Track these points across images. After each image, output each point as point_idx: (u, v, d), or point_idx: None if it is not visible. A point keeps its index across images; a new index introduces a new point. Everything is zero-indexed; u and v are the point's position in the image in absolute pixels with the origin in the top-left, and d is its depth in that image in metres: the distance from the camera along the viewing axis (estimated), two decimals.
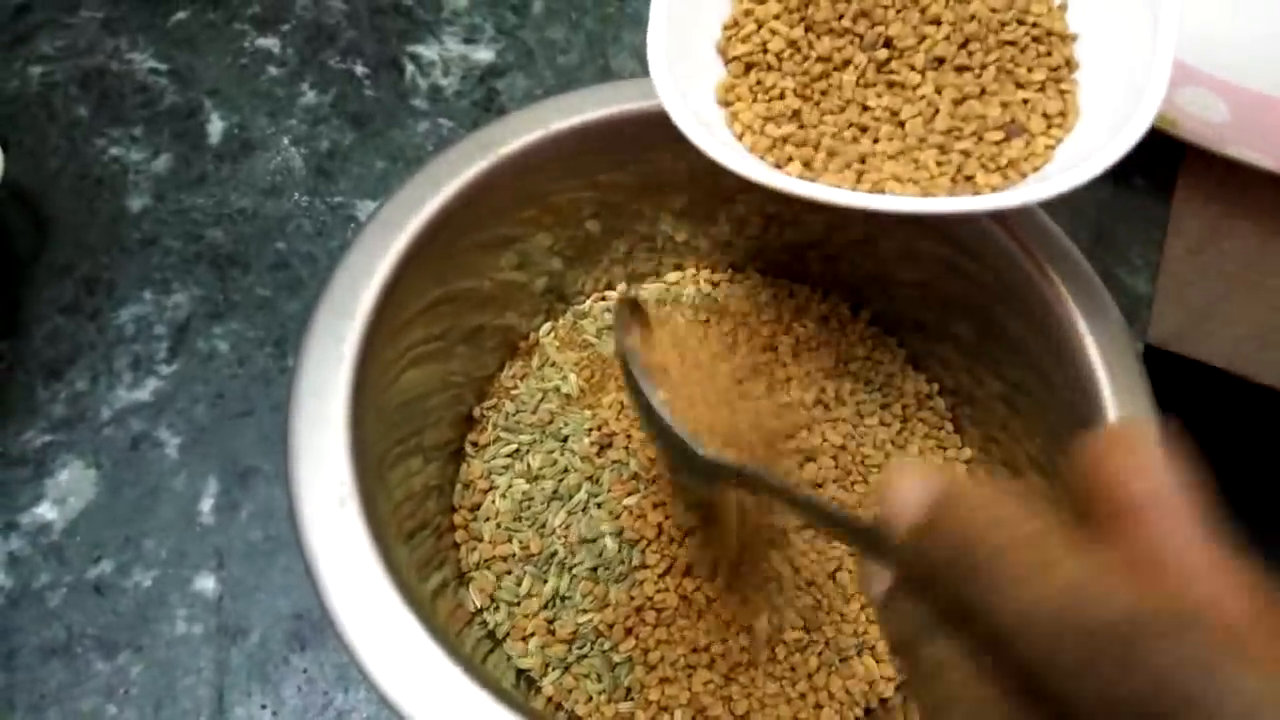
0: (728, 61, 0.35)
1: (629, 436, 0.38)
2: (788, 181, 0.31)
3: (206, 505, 0.40)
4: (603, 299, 0.43)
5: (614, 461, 0.37)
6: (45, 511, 0.40)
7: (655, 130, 0.38)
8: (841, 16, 0.34)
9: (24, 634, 0.38)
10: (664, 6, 0.34)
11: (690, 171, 0.40)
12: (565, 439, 0.38)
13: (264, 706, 0.37)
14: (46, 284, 0.45)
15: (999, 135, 0.32)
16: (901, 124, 0.33)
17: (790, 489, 0.26)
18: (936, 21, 0.33)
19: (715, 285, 0.43)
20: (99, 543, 0.40)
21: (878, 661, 0.36)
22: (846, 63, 0.34)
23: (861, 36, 0.34)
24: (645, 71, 0.39)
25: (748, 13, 0.35)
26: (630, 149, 0.39)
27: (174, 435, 0.42)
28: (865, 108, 0.33)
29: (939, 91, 0.33)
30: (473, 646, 0.35)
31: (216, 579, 0.39)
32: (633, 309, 0.35)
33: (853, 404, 0.40)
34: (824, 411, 0.39)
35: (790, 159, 0.33)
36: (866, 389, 0.41)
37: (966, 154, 0.32)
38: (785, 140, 0.33)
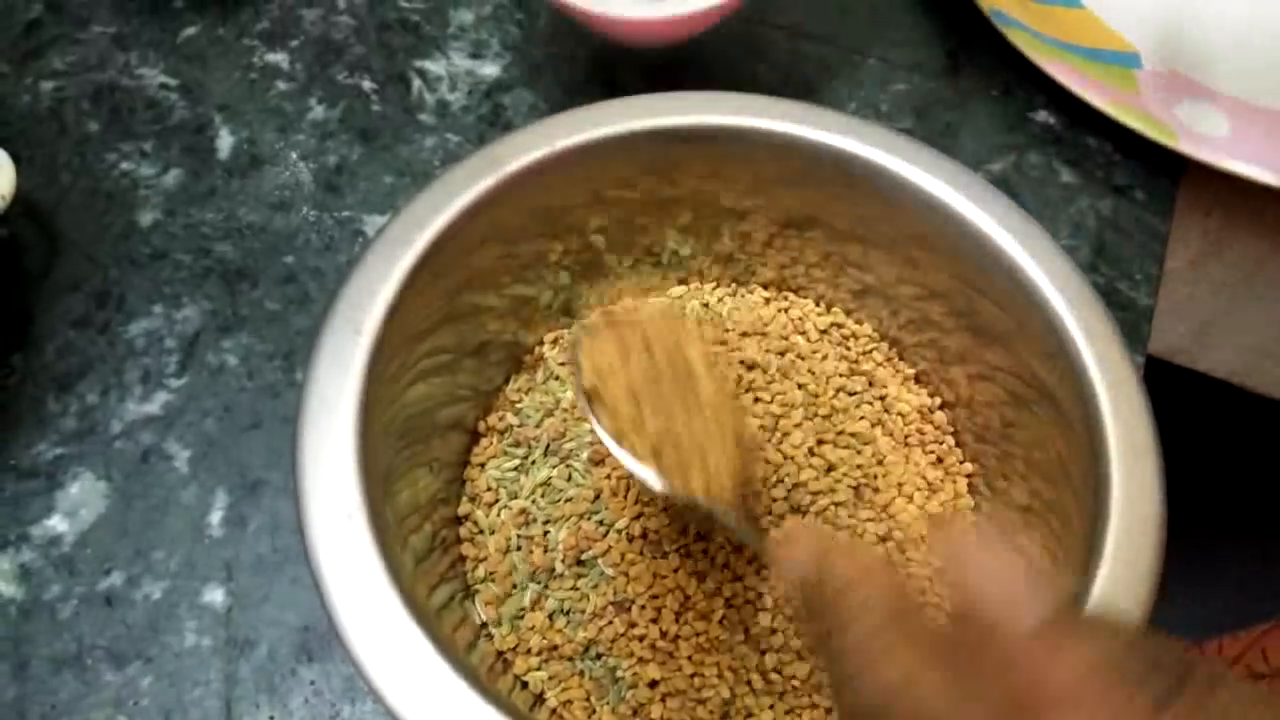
0: None
1: None
2: None
3: (215, 518, 0.41)
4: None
5: (615, 476, 0.38)
6: (56, 524, 0.40)
7: (660, 147, 0.39)
8: None
9: (35, 645, 0.38)
10: None
11: (694, 188, 0.40)
12: (567, 454, 0.39)
13: (272, 718, 0.37)
14: (57, 298, 0.46)
15: None
16: None
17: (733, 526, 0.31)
18: None
19: (719, 300, 0.43)
20: (109, 555, 0.40)
21: None
22: None
23: None
24: (650, 88, 0.39)
25: None
26: (635, 165, 0.39)
27: (183, 448, 0.42)
28: None
29: None
30: (478, 660, 0.35)
31: (225, 591, 0.39)
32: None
33: (856, 418, 0.40)
34: (827, 424, 0.40)
35: None
36: (869, 403, 0.41)
37: None
38: None
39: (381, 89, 0.52)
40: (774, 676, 0.35)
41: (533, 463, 0.39)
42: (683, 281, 0.44)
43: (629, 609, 0.36)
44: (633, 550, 0.36)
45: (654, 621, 0.36)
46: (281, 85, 0.52)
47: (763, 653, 0.36)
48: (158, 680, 0.38)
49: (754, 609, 0.36)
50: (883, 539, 0.38)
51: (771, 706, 0.35)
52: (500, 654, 0.36)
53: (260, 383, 0.44)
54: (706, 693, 0.35)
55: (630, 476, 0.37)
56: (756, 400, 0.40)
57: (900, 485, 0.39)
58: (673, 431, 0.32)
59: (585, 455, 0.38)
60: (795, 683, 0.36)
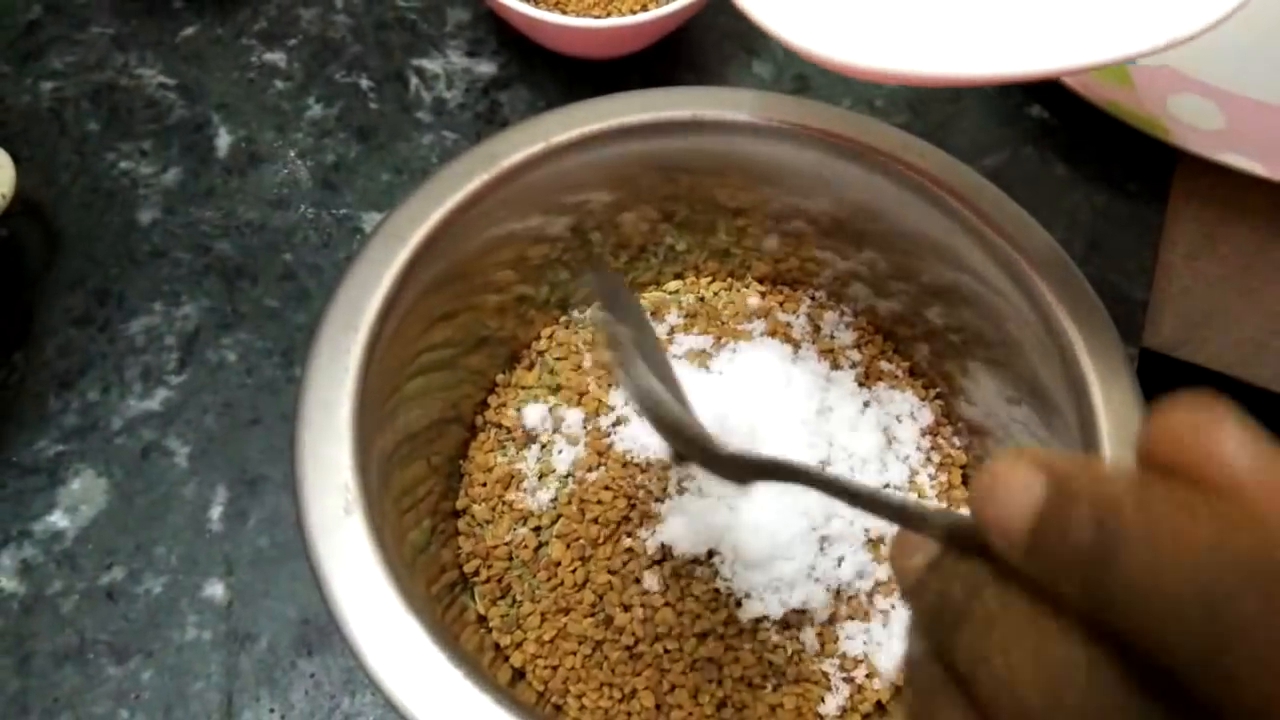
0: None
1: (622, 447, 0.38)
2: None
3: (215, 513, 0.41)
4: None
5: (609, 471, 0.38)
6: (58, 520, 0.41)
7: (655, 142, 0.39)
8: None
9: (38, 640, 0.38)
10: None
11: (691, 183, 0.41)
12: (562, 449, 0.39)
13: (272, 711, 0.37)
14: (58, 296, 0.46)
15: None
16: None
17: (840, 481, 0.22)
18: None
19: (715, 294, 0.44)
20: (110, 550, 0.40)
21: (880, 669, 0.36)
22: None
23: None
24: (646, 84, 0.40)
25: None
26: (631, 160, 0.39)
27: (183, 444, 0.42)
28: None
29: None
30: (476, 651, 0.35)
31: (225, 586, 0.40)
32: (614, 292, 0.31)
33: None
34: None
35: None
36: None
37: None
38: None
39: (379, 87, 0.53)
40: (769, 666, 0.36)
41: (527, 458, 0.39)
42: (679, 276, 0.44)
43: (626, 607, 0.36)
44: (628, 541, 0.37)
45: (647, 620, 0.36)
46: (279, 84, 0.53)
47: (758, 639, 0.36)
48: (159, 674, 0.38)
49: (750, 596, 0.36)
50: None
51: (765, 700, 0.36)
52: (498, 646, 0.37)
53: (259, 379, 0.44)
54: (704, 687, 0.35)
55: (622, 471, 0.38)
56: None
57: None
58: None
59: (580, 450, 0.39)
60: (788, 676, 0.36)
